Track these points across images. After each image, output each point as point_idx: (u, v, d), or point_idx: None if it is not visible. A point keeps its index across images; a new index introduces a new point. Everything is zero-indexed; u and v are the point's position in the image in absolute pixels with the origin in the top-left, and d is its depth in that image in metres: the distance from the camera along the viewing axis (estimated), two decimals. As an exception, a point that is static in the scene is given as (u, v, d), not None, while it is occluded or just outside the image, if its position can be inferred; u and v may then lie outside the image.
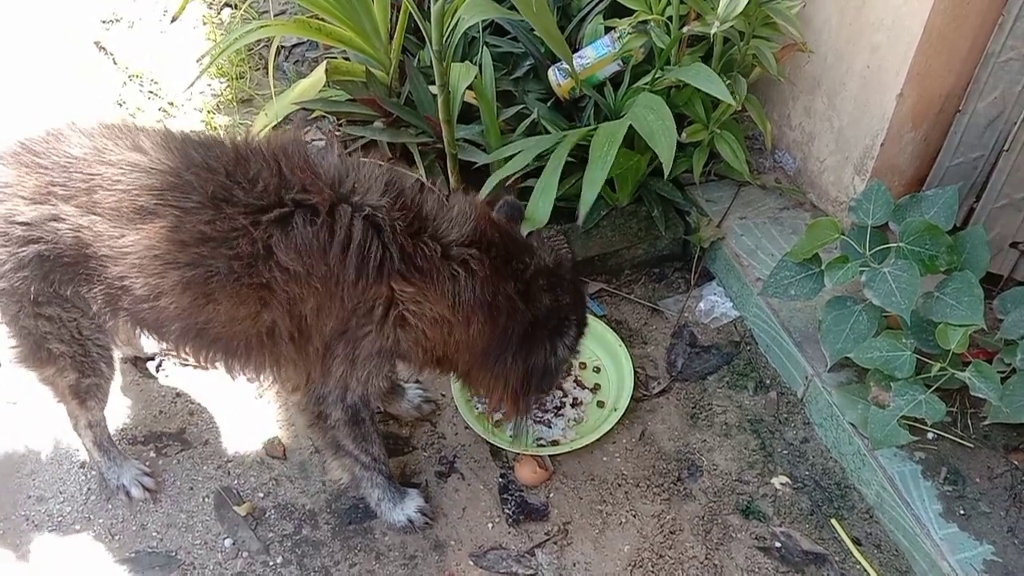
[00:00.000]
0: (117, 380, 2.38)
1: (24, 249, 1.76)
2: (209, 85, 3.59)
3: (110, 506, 2.28)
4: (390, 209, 1.74)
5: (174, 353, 1.99)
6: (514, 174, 2.54)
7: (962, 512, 2.09)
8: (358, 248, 1.69)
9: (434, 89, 2.54)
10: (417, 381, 2.51)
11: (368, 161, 1.84)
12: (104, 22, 3.96)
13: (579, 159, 2.57)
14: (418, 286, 1.75)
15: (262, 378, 1.96)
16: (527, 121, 2.77)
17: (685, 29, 2.46)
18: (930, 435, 2.23)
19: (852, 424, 2.25)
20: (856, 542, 2.19)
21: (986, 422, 2.17)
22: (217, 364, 1.91)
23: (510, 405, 2.03)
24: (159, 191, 1.70)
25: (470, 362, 1.94)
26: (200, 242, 1.68)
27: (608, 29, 2.78)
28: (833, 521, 2.23)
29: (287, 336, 1.78)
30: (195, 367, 2.49)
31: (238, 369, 1.91)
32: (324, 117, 3.33)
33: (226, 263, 1.68)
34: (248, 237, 1.67)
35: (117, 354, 2.15)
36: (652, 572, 2.15)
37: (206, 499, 2.30)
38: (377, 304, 1.76)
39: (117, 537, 2.22)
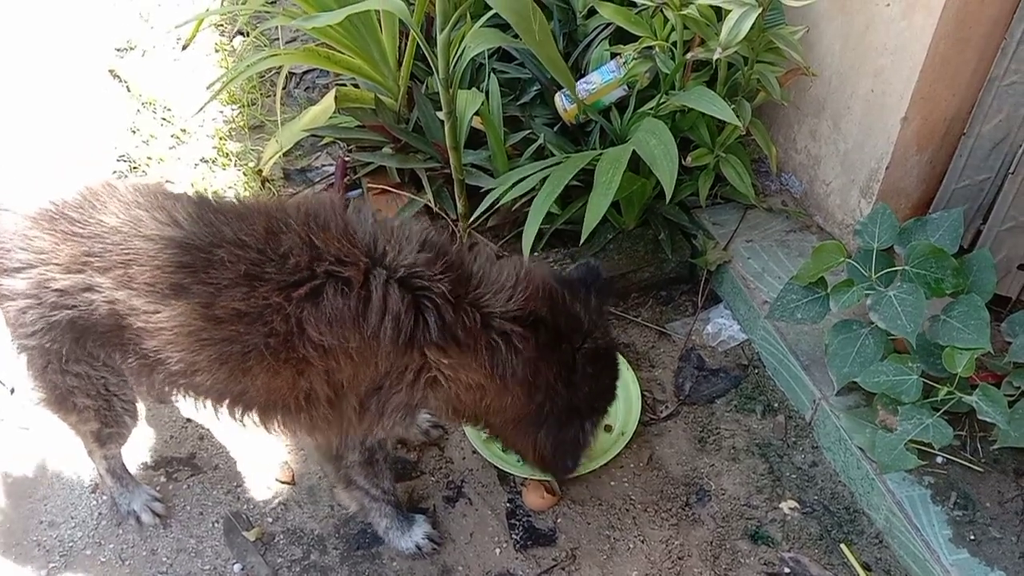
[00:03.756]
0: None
1: (56, 313, 1.77)
2: (221, 112, 3.64)
3: (120, 531, 2.29)
4: (428, 267, 1.71)
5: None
6: (521, 197, 2.58)
7: (972, 537, 2.07)
8: (393, 319, 1.66)
9: (441, 115, 2.57)
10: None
11: (406, 219, 1.81)
12: (118, 50, 4.02)
13: (586, 183, 2.59)
14: (454, 356, 1.73)
15: (297, 435, 1.95)
16: (534, 146, 2.79)
17: (689, 55, 2.49)
18: (939, 459, 2.21)
19: (860, 448, 2.24)
20: (866, 567, 2.18)
21: (995, 446, 2.15)
22: (253, 423, 1.90)
23: (537, 466, 2.06)
24: (193, 268, 1.69)
25: (501, 425, 1.95)
26: (235, 319, 1.67)
27: (614, 55, 2.80)
28: (842, 546, 2.22)
29: (325, 400, 1.76)
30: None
31: (275, 428, 1.89)
32: (334, 143, 3.37)
33: (262, 339, 1.67)
34: (282, 314, 1.65)
35: (141, 406, 2.14)
36: (660, 598, 2.15)
37: (216, 524, 2.31)
38: (409, 369, 1.74)
39: (127, 562, 2.23)
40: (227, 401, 1.85)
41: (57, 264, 1.76)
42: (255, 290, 1.66)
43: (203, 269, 1.68)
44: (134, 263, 1.71)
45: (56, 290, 1.76)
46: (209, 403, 1.90)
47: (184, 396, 1.93)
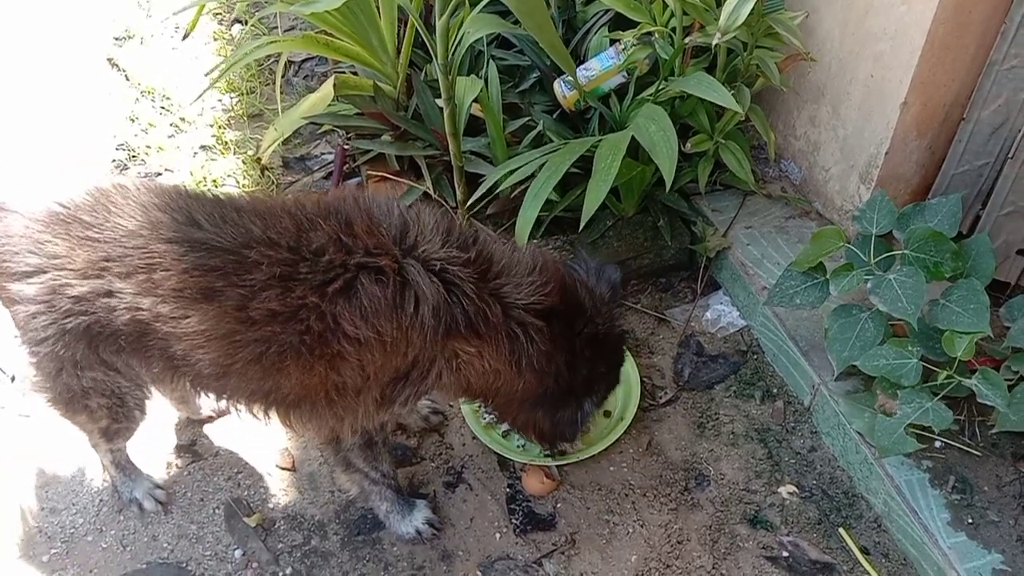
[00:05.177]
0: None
1: (70, 320, 1.74)
2: (220, 100, 3.64)
3: (122, 518, 2.30)
4: (460, 259, 1.72)
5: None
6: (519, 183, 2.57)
7: (970, 521, 2.08)
8: (433, 309, 1.67)
9: (440, 102, 2.56)
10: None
11: (423, 208, 1.79)
12: (117, 39, 4.01)
13: (585, 170, 2.58)
14: (476, 345, 1.76)
15: (316, 430, 1.94)
16: (533, 133, 2.79)
17: (688, 40, 2.48)
18: (938, 443, 2.22)
19: (859, 433, 2.24)
20: (864, 551, 2.19)
21: (994, 430, 2.16)
22: (272, 417, 1.89)
23: (536, 442, 2.13)
24: (223, 271, 1.65)
25: (505, 404, 1.99)
26: (270, 320, 1.64)
27: (613, 41, 2.80)
28: (841, 530, 2.23)
29: (353, 391, 1.76)
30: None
31: (298, 422, 1.88)
32: (333, 131, 3.37)
33: (297, 338, 1.65)
34: (317, 312, 1.64)
35: (149, 402, 2.13)
36: (659, 582, 2.16)
37: (216, 510, 2.32)
38: (436, 358, 1.76)
39: (129, 548, 2.24)
40: (255, 400, 1.83)
41: (72, 270, 1.72)
42: (290, 290, 1.63)
43: (234, 271, 1.65)
44: (158, 268, 1.67)
45: (71, 297, 1.72)
46: (235, 403, 1.89)
47: (208, 396, 1.93)
